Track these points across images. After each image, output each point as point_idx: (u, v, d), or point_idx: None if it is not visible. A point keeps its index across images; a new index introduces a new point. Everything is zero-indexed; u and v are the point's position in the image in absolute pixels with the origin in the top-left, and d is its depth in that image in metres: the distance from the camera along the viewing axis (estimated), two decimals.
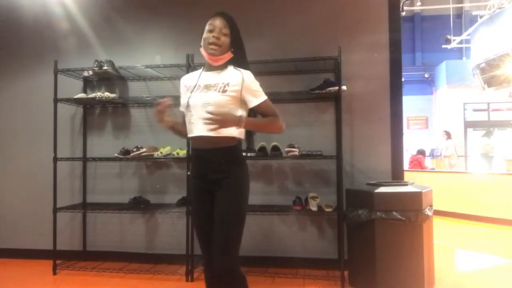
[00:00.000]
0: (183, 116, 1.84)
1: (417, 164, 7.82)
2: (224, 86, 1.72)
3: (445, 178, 6.64)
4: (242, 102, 1.76)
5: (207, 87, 1.74)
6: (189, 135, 1.80)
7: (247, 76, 1.76)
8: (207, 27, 1.74)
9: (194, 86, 1.77)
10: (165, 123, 1.84)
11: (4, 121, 3.82)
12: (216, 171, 1.73)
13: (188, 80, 1.85)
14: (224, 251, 1.66)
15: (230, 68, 1.79)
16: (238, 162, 1.79)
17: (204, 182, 1.77)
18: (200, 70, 1.85)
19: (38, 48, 3.74)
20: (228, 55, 1.76)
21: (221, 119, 1.61)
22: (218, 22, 1.72)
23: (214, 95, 1.71)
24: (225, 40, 1.72)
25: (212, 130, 1.67)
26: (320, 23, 3.34)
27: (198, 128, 1.72)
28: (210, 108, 1.66)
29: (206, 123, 1.64)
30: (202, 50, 1.77)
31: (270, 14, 3.37)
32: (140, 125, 3.56)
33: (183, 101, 1.81)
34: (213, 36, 1.70)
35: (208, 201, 1.76)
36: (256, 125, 1.84)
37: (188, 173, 3.09)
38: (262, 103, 1.77)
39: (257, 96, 1.77)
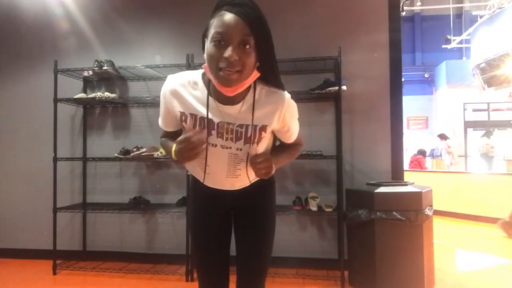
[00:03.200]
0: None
1: (417, 164, 7.83)
2: (260, 132, 1.16)
3: (445, 178, 6.64)
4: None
5: (228, 130, 1.14)
6: (201, 179, 1.29)
7: (288, 105, 1.19)
8: (212, 31, 1.00)
9: (205, 120, 1.14)
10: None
11: (4, 121, 3.81)
12: (241, 203, 1.32)
13: (186, 101, 1.15)
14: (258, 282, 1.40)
15: (258, 90, 1.15)
16: (270, 181, 1.38)
17: (221, 211, 1.35)
18: (203, 88, 1.15)
19: (38, 48, 3.74)
20: (253, 76, 1.08)
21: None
22: (234, 27, 0.98)
23: (246, 151, 1.18)
24: (248, 60, 1.01)
25: (242, 182, 1.27)
26: (320, 23, 3.34)
27: (219, 183, 1.27)
28: (244, 165, 1.20)
29: (234, 179, 1.24)
30: (207, 70, 1.08)
31: (270, 14, 3.36)
32: (140, 125, 3.55)
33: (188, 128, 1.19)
34: (226, 58, 0.98)
35: (225, 226, 1.36)
36: (281, 163, 1.32)
37: (188, 173, 3.08)
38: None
39: (293, 132, 1.29)
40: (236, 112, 1.13)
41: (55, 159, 3.27)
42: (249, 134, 1.15)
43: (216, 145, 1.16)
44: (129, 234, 3.54)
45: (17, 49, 3.79)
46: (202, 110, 1.13)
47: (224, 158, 1.18)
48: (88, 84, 3.65)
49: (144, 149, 3.27)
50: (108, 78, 3.55)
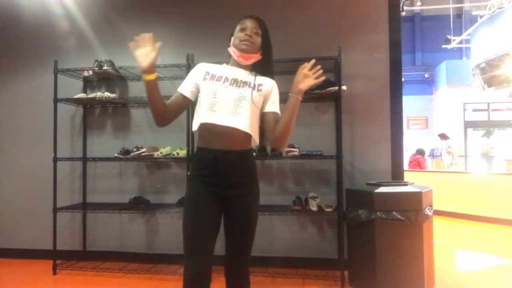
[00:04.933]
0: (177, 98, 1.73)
1: (416, 164, 7.82)
2: (258, 86, 1.71)
3: (445, 178, 6.64)
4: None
5: (237, 82, 1.68)
6: (205, 120, 1.62)
7: (276, 86, 1.76)
8: (238, 27, 1.73)
9: (221, 77, 1.69)
10: (150, 65, 1.51)
11: (4, 121, 3.81)
12: (236, 182, 1.65)
13: (211, 67, 1.75)
14: (246, 263, 1.69)
15: (257, 74, 1.76)
16: (255, 170, 1.73)
17: (215, 187, 1.63)
18: (223, 65, 1.80)
19: (38, 48, 3.73)
20: (258, 56, 1.74)
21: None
22: (250, 23, 1.72)
23: (249, 91, 1.66)
24: (257, 39, 1.71)
25: (242, 123, 1.61)
26: (320, 23, 3.34)
27: (224, 118, 1.60)
28: (245, 103, 1.62)
29: (235, 117, 1.60)
30: (231, 49, 1.75)
31: (270, 14, 3.35)
32: (140, 125, 3.55)
33: (204, 87, 1.66)
34: (246, 34, 1.68)
35: (215, 204, 1.63)
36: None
37: (188, 172, 3.09)
38: (277, 113, 1.71)
39: (276, 106, 1.74)
40: (245, 75, 1.72)
41: (55, 159, 3.27)
42: (251, 84, 1.70)
43: (227, 87, 1.66)
44: (129, 234, 3.54)
45: (18, 49, 3.79)
46: (221, 72, 1.72)
47: (230, 96, 1.64)
48: (88, 84, 3.65)
49: (144, 149, 3.27)
50: (108, 78, 3.55)
